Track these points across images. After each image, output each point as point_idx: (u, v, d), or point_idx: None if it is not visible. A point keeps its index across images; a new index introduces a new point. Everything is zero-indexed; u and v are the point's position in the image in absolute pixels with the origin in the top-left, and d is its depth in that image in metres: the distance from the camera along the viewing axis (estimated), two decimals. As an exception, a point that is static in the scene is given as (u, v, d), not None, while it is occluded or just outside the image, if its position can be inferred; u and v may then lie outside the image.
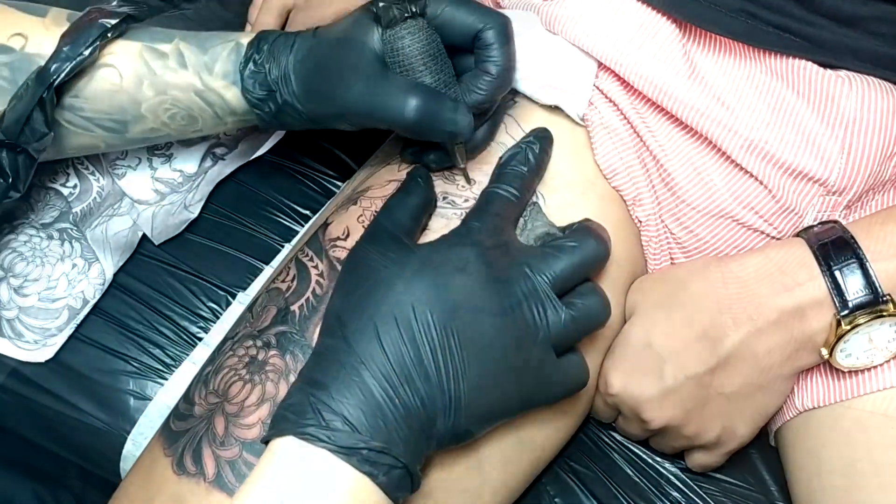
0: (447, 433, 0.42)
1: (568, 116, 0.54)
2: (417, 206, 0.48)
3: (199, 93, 0.52)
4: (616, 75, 0.53)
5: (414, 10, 0.47)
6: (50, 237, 0.61)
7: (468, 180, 0.51)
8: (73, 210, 0.62)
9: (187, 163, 0.64)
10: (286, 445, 0.39)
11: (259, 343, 0.48)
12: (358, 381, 0.40)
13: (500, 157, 0.51)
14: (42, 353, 0.60)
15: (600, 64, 0.53)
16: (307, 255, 0.51)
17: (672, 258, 0.57)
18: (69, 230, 0.62)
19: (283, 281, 0.51)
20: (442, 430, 0.41)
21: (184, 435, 0.47)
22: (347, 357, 0.41)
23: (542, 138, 0.51)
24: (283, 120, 0.52)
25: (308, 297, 0.49)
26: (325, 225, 0.52)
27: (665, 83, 0.52)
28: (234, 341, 0.50)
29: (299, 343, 0.47)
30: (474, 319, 0.42)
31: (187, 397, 0.49)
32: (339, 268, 0.49)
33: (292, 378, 0.46)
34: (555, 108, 0.54)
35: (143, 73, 0.52)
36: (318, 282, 0.49)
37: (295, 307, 0.49)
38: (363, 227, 0.50)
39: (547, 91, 0.53)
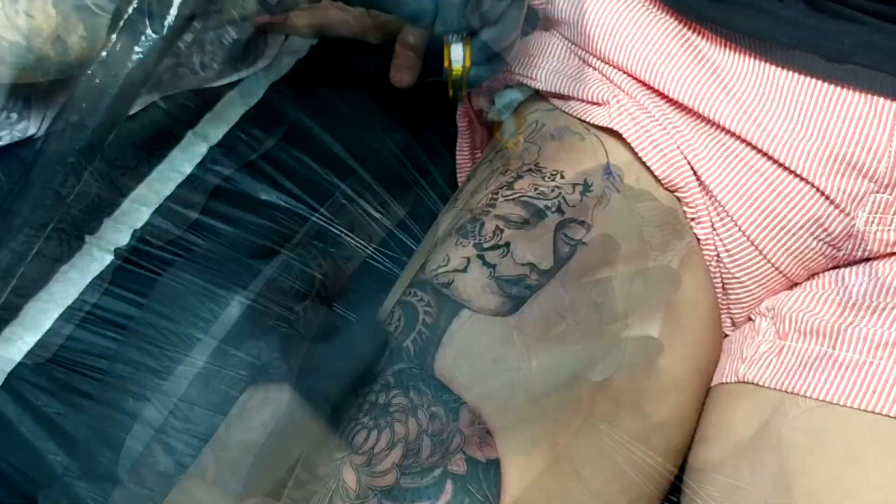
0: None
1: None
2: None
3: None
4: (618, 67, 0.53)
5: None
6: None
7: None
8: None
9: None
10: None
11: (377, 387, 0.46)
12: None
13: None
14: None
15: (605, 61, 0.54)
16: (410, 294, 0.49)
17: None
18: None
19: (388, 324, 0.48)
20: None
21: (310, 499, 0.44)
22: None
23: None
24: None
25: (420, 330, 0.47)
26: (423, 265, 0.50)
27: (670, 78, 0.52)
28: None
29: (420, 376, 0.45)
30: None
31: (307, 464, 0.46)
32: (445, 292, 0.47)
33: (420, 414, 0.44)
34: None
35: None
36: (426, 311, 0.47)
37: (408, 343, 0.47)
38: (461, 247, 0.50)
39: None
